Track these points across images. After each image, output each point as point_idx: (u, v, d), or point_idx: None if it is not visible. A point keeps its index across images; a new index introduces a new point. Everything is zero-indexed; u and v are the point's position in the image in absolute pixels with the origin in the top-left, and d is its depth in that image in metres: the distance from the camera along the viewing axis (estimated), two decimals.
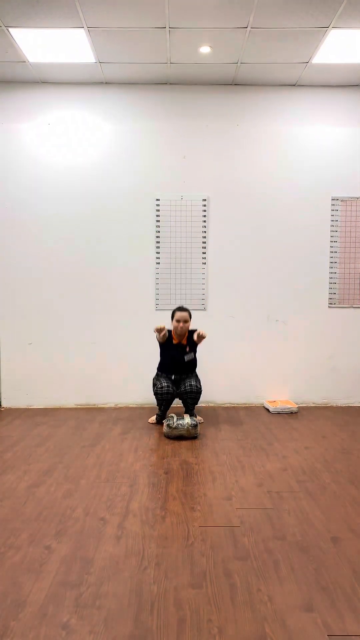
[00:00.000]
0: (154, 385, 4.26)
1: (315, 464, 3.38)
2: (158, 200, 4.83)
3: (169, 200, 4.84)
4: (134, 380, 4.92)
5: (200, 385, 4.26)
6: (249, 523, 2.55)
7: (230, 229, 4.89)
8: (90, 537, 2.41)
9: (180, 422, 3.90)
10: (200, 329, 4.17)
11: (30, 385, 4.93)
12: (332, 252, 4.92)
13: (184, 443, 3.82)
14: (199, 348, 4.34)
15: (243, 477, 3.14)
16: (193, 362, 4.31)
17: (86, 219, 4.85)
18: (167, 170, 4.85)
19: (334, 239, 4.91)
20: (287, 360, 4.99)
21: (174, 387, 4.24)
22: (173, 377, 4.29)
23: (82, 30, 3.79)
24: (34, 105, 4.78)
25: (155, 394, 4.23)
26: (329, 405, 5.01)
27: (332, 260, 4.92)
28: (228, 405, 4.99)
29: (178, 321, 4.15)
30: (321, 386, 5.01)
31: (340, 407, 4.97)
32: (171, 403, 4.29)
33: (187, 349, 4.25)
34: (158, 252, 4.87)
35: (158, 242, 4.86)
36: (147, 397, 4.90)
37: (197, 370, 4.42)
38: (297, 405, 4.84)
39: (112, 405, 4.96)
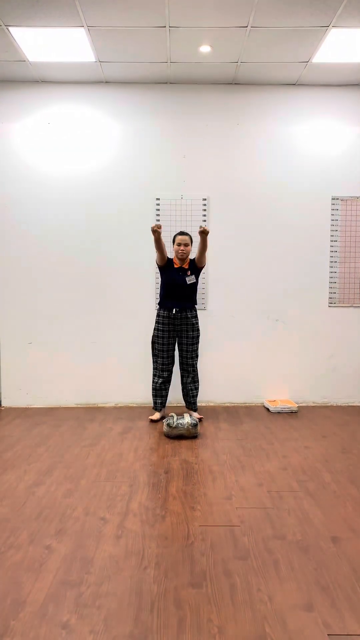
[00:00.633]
0: (153, 349, 4.36)
1: (316, 464, 3.38)
2: (158, 200, 4.83)
3: (169, 200, 4.83)
4: (134, 379, 4.92)
5: (197, 378, 4.40)
6: (249, 522, 2.55)
7: (230, 229, 4.89)
8: (90, 537, 2.41)
9: (180, 421, 3.90)
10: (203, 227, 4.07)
11: (30, 385, 4.93)
12: (332, 252, 4.91)
13: (184, 442, 3.82)
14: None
15: (243, 477, 3.14)
16: (194, 287, 4.32)
17: (86, 218, 4.85)
18: (167, 170, 4.84)
19: (334, 239, 4.91)
20: (287, 360, 4.99)
21: (171, 365, 4.35)
22: (174, 310, 4.26)
23: (82, 29, 3.79)
24: (33, 104, 4.77)
25: (153, 388, 4.38)
26: (329, 404, 5.01)
27: (332, 260, 4.92)
28: (228, 404, 4.99)
29: (179, 244, 4.19)
30: (321, 386, 5.01)
31: (340, 406, 4.97)
32: (168, 386, 4.43)
33: (189, 273, 4.27)
34: None
35: None
36: (147, 396, 4.90)
37: (197, 368, 4.44)
38: (297, 405, 4.84)
39: (112, 404, 4.96)
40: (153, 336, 4.35)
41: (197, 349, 4.38)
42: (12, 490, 2.95)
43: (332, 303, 4.95)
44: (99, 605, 1.91)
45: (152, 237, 4.82)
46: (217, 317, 4.93)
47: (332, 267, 4.92)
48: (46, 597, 1.95)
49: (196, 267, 4.29)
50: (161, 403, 4.41)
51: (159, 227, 4.02)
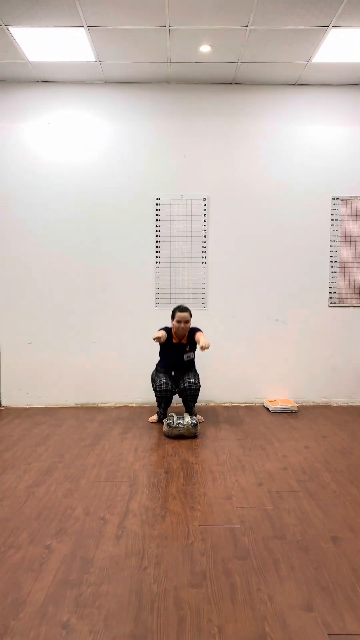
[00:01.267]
0: (153, 381, 4.26)
1: (315, 464, 3.38)
2: (158, 200, 4.83)
3: (169, 200, 4.83)
4: (134, 379, 4.92)
5: (198, 381, 4.26)
6: (249, 522, 2.55)
7: (230, 229, 4.89)
8: (90, 537, 2.41)
9: (180, 421, 3.90)
10: (203, 340, 3.97)
11: (30, 385, 4.93)
12: (332, 252, 4.91)
13: (184, 442, 3.81)
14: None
15: (243, 477, 3.14)
16: (192, 362, 4.32)
17: (86, 218, 4.85)
18: (167, 170, 4.84)
19: (334, 239, 4.91)
20: (287, 359, 4.99)
21: (173, 384, 4.23)
22: (173, 373, 4.29)
23: (82, 29, 3.79)
24: (34, 104, 4.77)
25: (155, 390, 4.23)
26: (329, 404, 5.01)
27: (332, 260, 4.92)
28: (228, 404, 4.99)
29: (179, 322, 4.12)
30: (321, 386, 5.01)
31: (340, 406, 4.97)
32: (171, 400, 4.29)
33: (187, 349, 4.25)
34: (158, 252, 4.86)
35: (158, 242, 4.86)
36: (147, 396, 4.90)
37: (197, 367, 4.43)
38: (297, 405, 4.84)
39: (112, 404, 4.96)
40: (153, 374, 4.33)
41: (198, 380, 4.28)
42: (12, 490, 2.95)
43: (332, 303, 4.95)
44: (99, 605, 1.91)
45: (152, 238, 4.83)
46: (217, 317, 4.93)
47: (332, 267, 4.92)
48: (46, 597, 1.95)
49: (194, 341, 4.21)
50: (163, 407, 4.34)
51: (163, 337, 4.01)
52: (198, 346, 4.11)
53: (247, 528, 2.49)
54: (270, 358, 4.99)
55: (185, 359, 4.24)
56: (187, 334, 4.23)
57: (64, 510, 2.68)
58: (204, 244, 4.88)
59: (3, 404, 4.95)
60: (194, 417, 3.99)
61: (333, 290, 4.94)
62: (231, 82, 4.77)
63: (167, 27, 3.77)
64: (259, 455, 3.53)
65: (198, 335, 4.12)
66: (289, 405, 4.73)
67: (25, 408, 4.88)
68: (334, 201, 4.88)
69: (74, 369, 4.93)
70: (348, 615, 1.85)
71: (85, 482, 3.06)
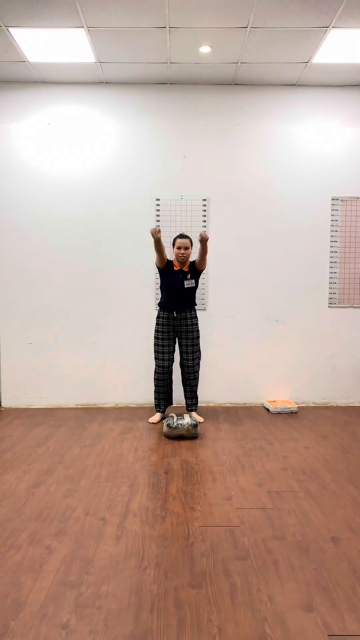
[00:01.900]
0: (155, 348, 4.32)
1: (315, 464, 3.38)
2: (158, 200, 4.83)
3: (169, 200, 4.84)
4: (134, 380, 4.92)
5: (197, 355, 4.33)
6: (249, 523, 2.55)
7: (230, 229, 4.89)
8: (90, 537, 2.41)
9: (180, 422, 3.90)
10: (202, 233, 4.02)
11: (30, 385, 4.93)
12: (332, 252, 4.92)
13: (184, 443, 3.82)
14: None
15: (243, 477, 3.14)
16: (193, 290, 4.30)
17: (86, 218, 4.85)
18: (167, 170, 4.85)
19: (334, 239, 4.91)
20: (287, 360, 4.99)
21: (171, 361, 4.32)
22: (174, 313, 4.26)
23: (82, 30, 3.79)
24: (34, 105, 4.78)
25: (155, 372, 4.34)
26: (329, 405, 5.01)
27: (332, 260, 4.92)
28: (228, 405, 4.99)
29: (179, 248, 4.16)
30: (321, 386, 5.01)
31: (340, 407, 4.97)
32: (170, 384, 4.38)
33: (188, 276, 4.25)
34: None
35: None
36: (147, 397, 4.90)
37: (198, 376, 4.42)
38: (297, 405, 4.84)
39: (112, 405, 4.96)
40: (154, 337, 4.35)
41: (198, 350, 4.35)
42: (12, 490, 2.95)
43: (332, 303, 4.96)
44: (99, 605, 1.91)
45: (152, 239, 4.83)
46: (217, 317, 4.93)
47: (332, 267, 4.92)
48: (46, 598, 1.95)
49: (196, 270, 4.27)
50: (159, 405, 4.40)
51: (158, 230, 3.98)
52: (199, 254, 4.13)
53: (247, 528, 2.49)
54: (270, 358, 4.99)
55: (185, 285, 4.24)
56: (188, 262, 4.26)
57: (64, 510, 2.68)
58: None
59: (3, 404, 4.95)
60: (193, 417, 3.99)
61: (333, 291, 4.94)
62: (231, 82, 4.77)
63: (167, 28, 3.78)
64: (259, 456, 3.53)
65: (197, 257, 4.18)
66: (289, 406, 4.73)
67: (25, 408, 4.88)
68: (334, 202, 4.88)
69: (74, 369, 4.93)
70: (348, 615, 1.85)
71: (85, 482, 3.06)
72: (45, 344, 4.92)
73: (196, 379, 4.38)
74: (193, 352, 4.32)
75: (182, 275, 4.24)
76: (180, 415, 4.01)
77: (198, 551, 2.28)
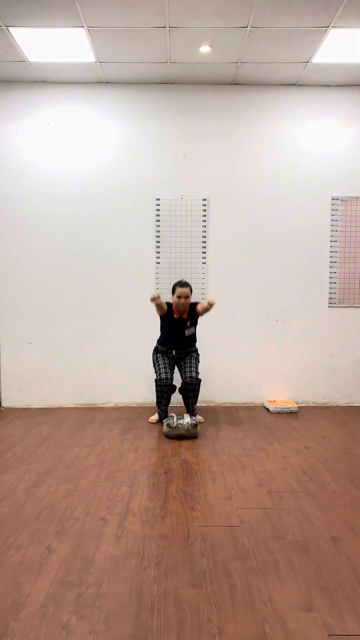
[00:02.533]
0: (154, 364, 4.29)
1: (316, 464, 3.38)
2: (158, 200, 4.83)
3: (169, 200, 4.83)
4: (134, 380, 4.92)
5: (198, 374, 4.27)
6: (249, 523, 2.55)
7: (230, 229, 4.89)
8: (90, 537, 2.41)
9: (180, 421, 3.90)
10: (206, 301, 4.07)
11: (30, 385, 4.93)
12: (332, 252, 4.91)
13: (184, 443, 3.81)
14: (202, 330, 4.34)
15: (243, 477, 3.14)
16: (193, 337, 4.30)
17: (86, 218, 4.85)
18: (167, 170, 4.84)
19: (334, 239, 4.91)
20: (287, 360, 4.99)
21: (172, 373, 4.26)
22: (174, 352, 4.26)
23: (82, 29, 3.79)
24: (34, 104, 4.78)
25: (156, 384, 4.25)
26: (329, 405, 5.01)
27: (332, 260, 4.92)
28: (228, 405, 4.98)
29: (179, 297, 4.12)
30: (321, 386, 5.01)
31: (340, 407, 4.97)
32: (171, 395, 4.30)
33: (188, 324, 4.23)
34: (158, 252, 4.86)
35: (158, 242, 4.86)
36: (147, 396, 4.90)
37: (199, 386, 4.37)
38: (297, 405, 4.84)
39: (112, 405, 4.96)
40: (152, 355, 4.36)
41: (198, 375, 4.28)
42: (12, 490, 2.95)
43: (332, 303, 4.95)
44: (99, 605, 1.91)
45: (151, 238, 4.83)
46: (217, 317, 4.93)
47: (332, 267, 4.92)
48: (46, 597, 1.95)
49: (196, 316, 4.22)
50: (164, 405, 4.34)
51: (158, 296, 4.00)
52: (199, 306, 4.12)
53: (247, 528, 2.49)
54: (270, 358, 4.99)
55: (186, 334, 4.22)
56: (187, 309, 4.21)
57: (64, 510, 2.68)
58: (204, 244, 4.88)
59: (3, 404, 4.95)
60: (194, 417, 3.99)
61: (333, 291, 4.94)
62: (231, 82, 4.77)
63: (167, 28, 3.78)
64: (259, 456, 3.53)
65: (199, 306, 4.15)
66: (289, 406, 4.73)
67: (25, 408, 4.88)
68: (334, 201, 4.88)
69: (74, 369, 4.93)
70: (348, 615, 1.85)
71: (85, 482, 3.06)
72: (45, 344, 4.92)
73: (196, 397, 4.30)
74: (192, 377, 4.23)
75: (181, 323, 4.21)
76: (180, 415, 4.01)
77: (198, 551, 2.28)
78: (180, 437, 3.91)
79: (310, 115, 4.84)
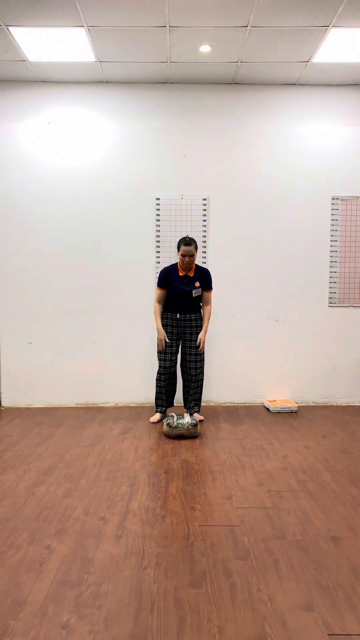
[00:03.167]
0: (158, 353, 4.28)
1: (316, 464, 3.38)
2: (158, 199, 4.83)
3: (169, 200, 4.83)
4: (134, 379, 4.92)
5: (200, 365, 4.25)
6: (249, 522, 2.55)
7: (231, 229, 4.89)
8: (90, 537, 2.41)
9: (180, 421, 3.90)
10: (202, 335, 4.19)
11: (30, 385, 4.93)
12: (332, 251, 4.91)
13: (184, 442, 3.81)
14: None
15: (243, 477, 3.14)
16: (199, 299, 4.25)
17: (86, 218, 4.85)
18: (167, 170, 4.84)
19: (334, 239, 4.91)
20: (287, 360, 4.99)
21: (175, 363, 4.26)
22: (178, 315, 4.21)
23: (82, 29, 3.79)
24: (33, 104, 4.77)
25: (158, 373, 4.29)
26: (329, 404, 5.01)
27: (332, 260, 4.92)
28: (228, 404, 4.98)
29: (183, 255, 4.07)
30: (321, 386, 5.01)
31: (340, 406, 4.97)
32: (170, 388, 4.32)
33: (197, 284, 4.17)
34: (158, 252, 4.86)
35: (158, 242, 4.86)
36: (147, 396, 4.90)
37: (202, 384, 4.36)
38: (297, 405, 4.84)
39: (112, 404, 4.96)
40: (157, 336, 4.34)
41: (202, 360, 4.27)
42: (12, 490, 2.95)
43: (332, 303, 4.95)
44: (99, 605, 1.91)
45: (151, 238, 4.83)
46: (218, 317, 4.93)
47: (332, 267, 4.92)
48: (46, 597, 1.95)
49: (202, 286, 4.21)
50: (161, 405, 4.39)
51: (162, 338, 4.12)
52: (203, 310, 4.22)
53: (247, 528, 2.49)
54: (270, 358, 4.99)
55: (193, 295, 4.17)
56: (194, 268, 4.18)
57: (64, 510, 2.68)
58: (204, 244, 4.88)
59: (3, 404, 4.95)
60: (193, 417, 3.99)
61: (333, 290, 4.94)
62: (231, 82, 4.77)
63: (167, 27, 3.77)
64: (259, 455, 3.53)
65: (206, 297, 4.20)
66: (289, 405, 4.73)
67: (26, 408, 4.88)
68: (334, 201, 4.88)
69: (74, 369, 4.93)
70: (348, 615, 1.85)
71: (85, 482, 3.06)
72: (45, 344, 4.91)
73: (199, 387, 4.30)
74: (196, 361, 4.24)
75: (187, 280, 4.17)
76: (180, 415, 4.01)
77: (198, 551, 2.28)
78: (180, 437, 3.91)
79: (310, 114, 4.84)
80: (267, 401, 4.88)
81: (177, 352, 4.32)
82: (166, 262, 4.85)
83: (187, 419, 3.91)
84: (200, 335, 4.19)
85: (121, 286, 4.90)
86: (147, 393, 4.88)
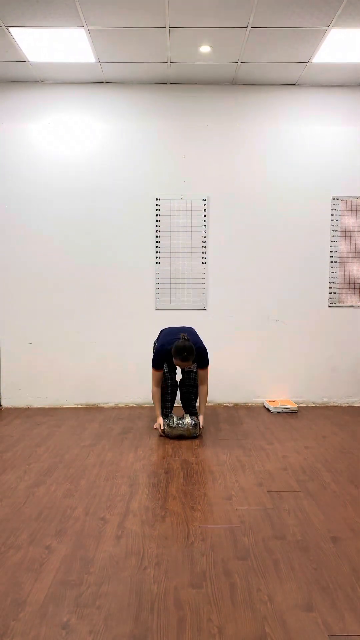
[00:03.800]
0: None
1: (316, 464, 3.38)
2: (158, 200, 4.83)
3: (169, 200, 4.83)
4: (134, 380, 4.92)
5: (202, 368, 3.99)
6: (249, 523, 2.55)
7: (231, 229, 4.89)
8: (90, 537, 2.41)
9: (180, 421, 3.90)
10: (201, 420, 3.96)
11: (30, 385, 4.93)
12: (332, 252, 4.91)
13: (184, 442, 3.81)
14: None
15: (243, 477, 3.14)
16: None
17: (86, 218, 4.85)
18: (167, 170, 4.84)
19: (334, 239, 4.91)
20: (287, 360, 4.99)
21: (173, 373, 4.08)
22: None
23: (82, 29, 3.79)
24: (33, 104, 4.77)
25: (164, 387, 4.06)
26: (328, 405, 5.01)
27: (332, 260, 4.92)
28: (228, 404, 4.99)
29: (178, 365, 3.87)
30: (321, 386, 5.01)
31: (340, 406, 4.97)
32: (175, 393, 4.16)
33: (192, 367, 4.03)
34: (158, 252, 4.87)
35: (158, 242, 4.86)
36: (147, 397, 4.89)
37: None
38: (297, 405, 4.84)
39: (112, 405, 4.96)
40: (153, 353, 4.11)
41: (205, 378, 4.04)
42: (12, 490, 2.95)
43: (332, 303, 4.96)
44: (99, 605, 1.91)
45: (151, 238, 4.83)
46: (217, 317, 4.93)
47: (332, 267, 4.92)
48: (46, 597, 1.95)
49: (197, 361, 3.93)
50: (168, 407, 4.15)
51: (160, 426, 3.93)
52: (200, 386, 4.00)
53: (247, 528, 2.49)
54: (270, 358, 4.99)
55: (186, 370, 4.07)
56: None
57: (64, 510, 2.68)
58: (204, 244, 4.88)
59: (3, 404, 4.95)
60: (193, 417, 3.99)
61: (333, 290, 4.94)
62: (231, 82, 4.77)
63: (167, 28, 3.78)
64: (259, 456, 3.53)
65: (201, 376, 3.94)
66: (289, 406, 4.73)
67: (25, 408, 4.88)
68: (334, 201, 4.88)
69: (74, 369, 4.93)
70: (348, 615, 1.85)
71: (85, 482, 3.06)
72: (45, 344, 4.92)
73: (196, 393, 4.11)
74: (194, 382, 4.08)
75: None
76: (180, 415, 4.01)
77: (198, 551, 2.28)
78: (180, 437, 3.91)
79: (310, 115, 4.84)
80: (267, 401, 4.88)
81: (175, 371, 4.13)
82: (166, 262, 4.86)
83: (187, 419, 3.91)
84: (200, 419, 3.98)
85: (121, 286, 4.90)
86: (147, 393, 4.86)
